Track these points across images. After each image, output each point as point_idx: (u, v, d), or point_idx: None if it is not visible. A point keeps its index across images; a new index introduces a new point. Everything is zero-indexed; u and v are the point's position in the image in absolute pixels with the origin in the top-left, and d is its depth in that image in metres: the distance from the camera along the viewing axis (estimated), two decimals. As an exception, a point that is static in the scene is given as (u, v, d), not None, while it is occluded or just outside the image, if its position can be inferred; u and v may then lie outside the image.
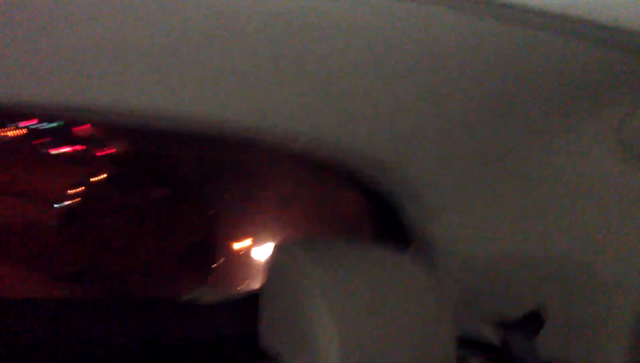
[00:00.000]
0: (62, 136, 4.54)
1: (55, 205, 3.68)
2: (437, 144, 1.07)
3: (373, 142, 1.05)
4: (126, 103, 0.86)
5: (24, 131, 4.51)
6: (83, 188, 3.71)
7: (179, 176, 3.11)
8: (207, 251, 2.97)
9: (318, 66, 0.86)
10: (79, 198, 3.63)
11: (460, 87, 0.95)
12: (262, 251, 2.88)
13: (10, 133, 4.46)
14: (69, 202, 3.67)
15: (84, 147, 4.61)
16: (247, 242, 2.94)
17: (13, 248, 3.26)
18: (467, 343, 1.24)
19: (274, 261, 1.04)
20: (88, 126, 4.05)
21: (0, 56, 0.73)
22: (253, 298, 1.09)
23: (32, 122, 4.27)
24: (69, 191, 3.68)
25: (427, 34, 0.81)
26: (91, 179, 3.77)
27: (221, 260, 2.89)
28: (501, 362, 1.23)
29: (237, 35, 0.78)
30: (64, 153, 4.50)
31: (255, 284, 2.78)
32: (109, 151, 4.13)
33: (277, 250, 1.05)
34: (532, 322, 1.15)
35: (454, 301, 1.13)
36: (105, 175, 3.78)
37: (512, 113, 1.02)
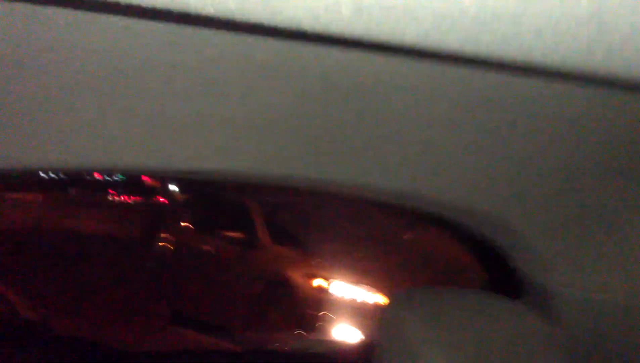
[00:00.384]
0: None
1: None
2: (550, 201, 1.06)
3: (483, 198, 1.05)
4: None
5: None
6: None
7: (281, 229, 3.19)
8: (315, 302, 3.00)
9: (425, 122, 0.88)
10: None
11: (565, 151, 0.95)
12: (372, 302, 2.88)
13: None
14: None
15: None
16: (358, 292, 2.95)
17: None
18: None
19: (385, 312, 1.05)
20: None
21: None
22: (362, 346, 1.10)
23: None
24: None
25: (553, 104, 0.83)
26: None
27: (331, 310, 2.91)
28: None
29: (339, 97, 0.83)
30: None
31: (364, 333, 2.77)
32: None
33: (388, 302, 1.07)
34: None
35: (570, 351, 1.09)
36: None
37: (619, 176, 1.00)
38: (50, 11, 0.65)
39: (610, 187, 1.03)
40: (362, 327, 2.95)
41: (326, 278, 3.07)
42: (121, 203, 5.25)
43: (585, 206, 1.07)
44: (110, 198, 5.23)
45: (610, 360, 1.19)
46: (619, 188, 1.04)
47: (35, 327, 2.52)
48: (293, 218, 3.18)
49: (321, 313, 2.94)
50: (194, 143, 0.85)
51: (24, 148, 0.78)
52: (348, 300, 3.00)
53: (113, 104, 0.77)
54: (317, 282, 3.07)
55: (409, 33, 0.51)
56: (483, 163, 0.97)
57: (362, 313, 2.90)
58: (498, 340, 0.97)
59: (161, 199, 5.29)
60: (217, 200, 4.12)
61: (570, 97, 0.81)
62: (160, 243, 4.05)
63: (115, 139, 0.81)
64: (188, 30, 0.68)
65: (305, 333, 2.71)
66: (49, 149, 0.79)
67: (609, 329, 1.17)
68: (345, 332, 2.95)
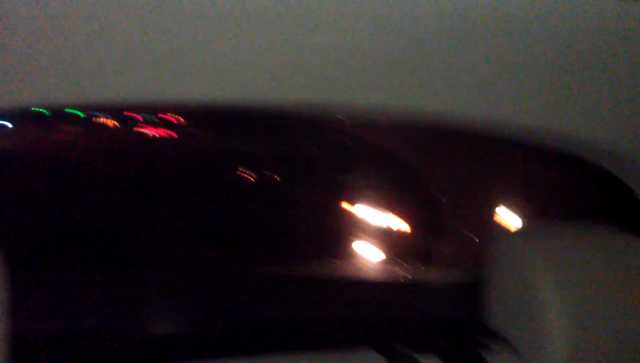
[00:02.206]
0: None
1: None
2: None
3: (608, 131, 1.00)
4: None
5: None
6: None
7: (403, 165, 3.17)
8: (434, 235, 3.00)
9: (552, 57, 0.86)
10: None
11: None
12: (490, 236, 2.84)
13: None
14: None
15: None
16: (474, 227, 2.92)
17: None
18: None
19: (502, 245, 1.04)
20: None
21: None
22: (479, 281, 1.10)
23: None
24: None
25: None
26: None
27: (449, 244, 2.90)
28: None
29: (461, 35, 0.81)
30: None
31: (482, 268, 2.75)
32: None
33: (504, 235, 1.05)
34: None
35: None
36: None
37: None
38: None
39: None
40: (477, 261, 2.92)
41: (446, 215, 3.06)
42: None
43: None
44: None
45: None
46: None
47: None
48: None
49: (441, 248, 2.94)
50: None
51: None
52: (465, 234, 2.97)
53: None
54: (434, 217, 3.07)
55: None
56: (609, 93, 0.92)
57: (477, 249, 2.87)
58: (618, 277, 0.94)
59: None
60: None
61: None
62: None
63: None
64: None
65: (422, 265, 2.72)
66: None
67: None
68: (462, 266, 2.95)
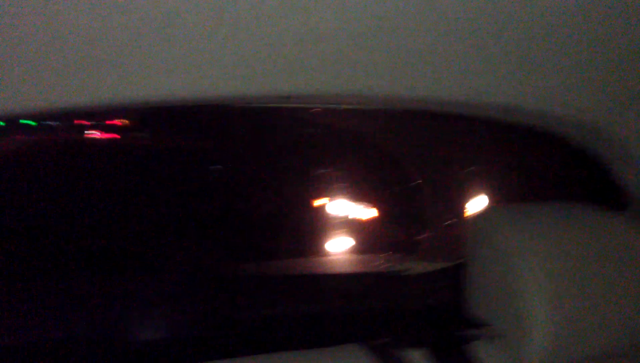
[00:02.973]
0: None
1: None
2: None
3: (583, 107, 0.99)
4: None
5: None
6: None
7: (377, 148, 3.16)
8: (415, 223, 3.00)
9: (520, 31, 0.84)
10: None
11: None
12: (467, 221, 2.85)
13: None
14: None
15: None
16: (454, 212, 2.92)
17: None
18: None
19: (478, 229, 1.03)
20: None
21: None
22: (459, 268, 1.09)
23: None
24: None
25: None
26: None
27: (427, 231, 2.90)
28: None
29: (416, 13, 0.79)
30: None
31: (462, 254, 2.75)
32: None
33: (481, 217, 1.04)
34: None
35: None
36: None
37: None
38: None
39: None
40: (458, 248, 2.93)
41: (424, 201, 3.06)
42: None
43: None
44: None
45: None
46: None
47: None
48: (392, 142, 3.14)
49: (420, 236, 2.94)
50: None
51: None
52: (443, 220, 2.97)
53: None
54: (414, 203, 3.07)
55: None
56: (582, 65, 0.91)
57: (457, 234, 2.87)
58: (598, 254, 0.93)
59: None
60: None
61: None
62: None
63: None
64: None
65: (404, 254, 2.72)
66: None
67: None
68: (443, 254, 2.95)
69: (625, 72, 0.93)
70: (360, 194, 3.17)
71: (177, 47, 0.77)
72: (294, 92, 0.86)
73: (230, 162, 3.56)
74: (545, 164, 2.28)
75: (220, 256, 2.67)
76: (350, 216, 3.15)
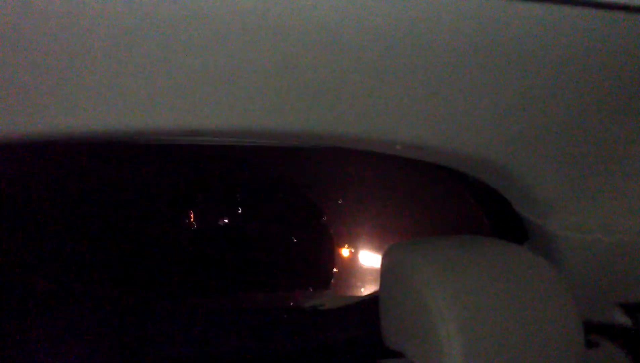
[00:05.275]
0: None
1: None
2: (547, 144, 1.05)
3: (482, 145, 1.04)
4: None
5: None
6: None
7: (290, 185, 3.18)
8: (326, 258, 3.02)
9: (424, 70, 0.87)
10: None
11: (569, 86, 0.94)
12: (378, 255, 2.91)
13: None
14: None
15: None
16: (363, 247, 2.98)
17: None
18: (597, 328, 1.21)
19: (389, 263, 1.06)
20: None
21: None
22: (373, 300, 1.11)
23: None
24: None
25: (532, 34, 0.81)
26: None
27: (339, 266, 2.93)
28: (634, 342, 1.19)
29: (335, 47, 0.81)
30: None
31: (375, 287, 2.80)
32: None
33: (390, 251, 1.07)
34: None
35: (576, 288, 1.10)
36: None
37: (622, 109, 0.99)
38: None
39: (609, 125, 1.03)
40: (370, 281, 2.98)
41: (336, 234, 3.09)
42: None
43: (584, 146, 1.06)
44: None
45: (614, 298, 1.20)
46: (619, 125, 1.03)
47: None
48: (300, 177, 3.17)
49: (332, 271, 2.97)
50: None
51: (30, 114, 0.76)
52: (354, 255, 3.02)
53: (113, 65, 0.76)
54: (326, 239, 3.09)
55: None
56: (481, 107, 0.96)
57: (368, 268, 2.92)
58: (504, 283, 0.97)
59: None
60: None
61: (567, 25, 0.80)
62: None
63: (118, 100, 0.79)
64: None
65: (318, 290, 2.73)
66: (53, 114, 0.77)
67: (613, 268, 1.18)
68: (356, 288, 2.99)
69: (525, 113, 0.98)
70: (273, 230, 3.17)
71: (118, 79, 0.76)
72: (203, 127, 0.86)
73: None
74: (451, 199, 2.37)
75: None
76: (265, 253, 3.14)
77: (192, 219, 3.58)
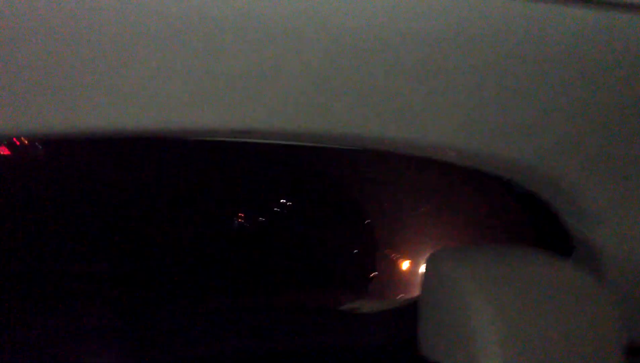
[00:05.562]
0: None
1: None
2: (594, 151, 1.03)
3: (528, 152, 1.02)
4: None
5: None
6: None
7: (335, 188, 3.18)
8: (366, 261, 3.01)
9: (470, 78, 0.87)
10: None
11: (615, 90, 0.91)
12: (420, 261, 2.88)
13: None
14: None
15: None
16: (405, 252, 2.95)
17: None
18: (637, 350, 1.17)
19: (433, 270, 1.04)
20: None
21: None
22: (411, 306, 1.10)
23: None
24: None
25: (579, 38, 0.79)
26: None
27: (380, 270, 2.92)
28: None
29: (382, 51, 0.81)
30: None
31: (414, 293, 2.77)
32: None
33: (434, 258, 1.06)
34: None
35: (621, 307, 1.07)
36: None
37: None
38: None
39: None
40: (409, 286, 2.96)
41: (375, 239, 3.08)
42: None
43: (632, 153, 1.03)
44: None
45: None
46: None
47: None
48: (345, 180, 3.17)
49: (372, 274, 2.95)
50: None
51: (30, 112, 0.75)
52: (395, 259, 3.00)
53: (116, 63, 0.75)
54: (366, 243, 3.08)
55: None
56: (529, 113, 0.94)
57: (409, 273, 2.90)
58: (548, 300, 0.96)
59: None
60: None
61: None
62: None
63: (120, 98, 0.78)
64: None
65: (356, 293, 2.73)
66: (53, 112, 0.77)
67: None
68: (395, 292, 2.96)
69: (571, 120, 0.97)
70: (313, 232, 3.18)
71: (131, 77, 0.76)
72: (254, 127, 0.87)
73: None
74: (495, 208, 2.34)
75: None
76: (304, 254, 3.15)
77: (233, 218, 3.62)
